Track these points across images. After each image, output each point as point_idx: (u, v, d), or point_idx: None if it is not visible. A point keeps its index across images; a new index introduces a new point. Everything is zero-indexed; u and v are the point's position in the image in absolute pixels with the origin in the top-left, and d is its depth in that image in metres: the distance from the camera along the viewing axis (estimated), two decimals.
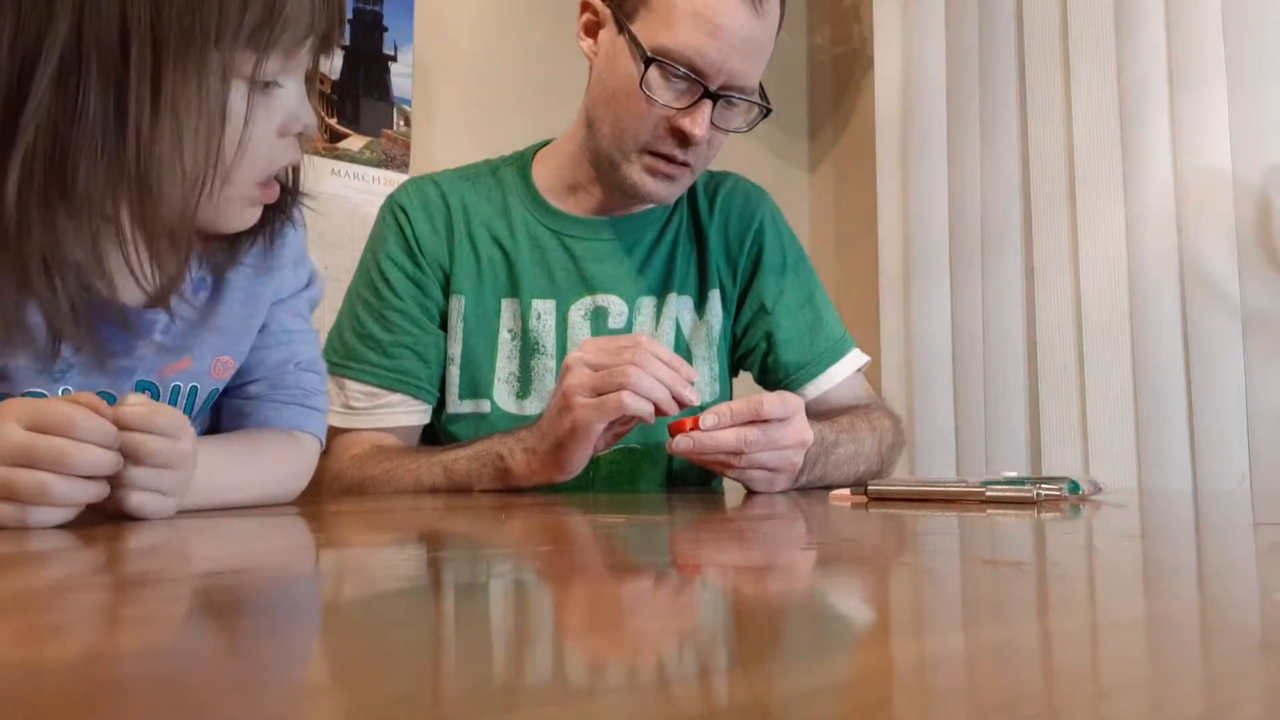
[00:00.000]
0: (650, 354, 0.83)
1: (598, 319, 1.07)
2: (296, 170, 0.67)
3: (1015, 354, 1.92)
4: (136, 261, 0.58)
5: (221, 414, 0.77)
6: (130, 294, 0.63)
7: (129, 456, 0.52)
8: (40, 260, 0.55)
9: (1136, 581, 0.35)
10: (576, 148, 1.08)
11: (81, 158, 0.54)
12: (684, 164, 1.01)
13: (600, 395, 0.83)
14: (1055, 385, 1.83)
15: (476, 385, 1.05)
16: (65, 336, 0.60)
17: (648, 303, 1.09)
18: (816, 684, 0.18)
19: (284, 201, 0.67)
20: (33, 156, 0.52)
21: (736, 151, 1.89)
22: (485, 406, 1.04)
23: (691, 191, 1.14)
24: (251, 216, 0.64)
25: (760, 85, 1.02)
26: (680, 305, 1.10)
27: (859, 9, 2.46)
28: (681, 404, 0.84)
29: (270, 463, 0.72)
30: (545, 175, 1.12)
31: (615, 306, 1.08)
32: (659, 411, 0.83)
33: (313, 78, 0.63)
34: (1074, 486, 0.75)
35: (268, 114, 0.59)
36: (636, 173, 1.01)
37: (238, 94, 0.57)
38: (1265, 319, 1.58)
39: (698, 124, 0.97)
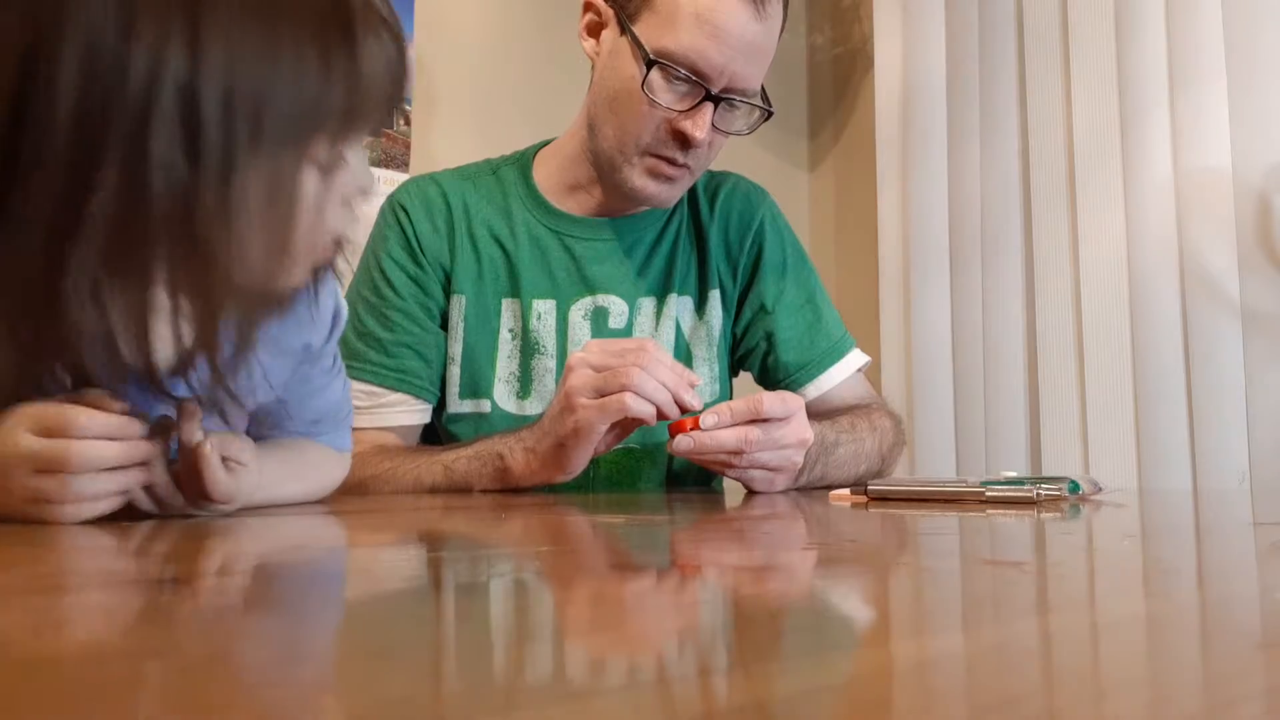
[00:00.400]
0: (654, 357, 0.83)
1: (598, 319, 1.07)
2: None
3: (1015, 354, 1.92)
4: (178, 335, 0.56)
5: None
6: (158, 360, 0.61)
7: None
8: (80, 332, 0.53)
9: (1136, 581, 0.35)
10: (577, 148, 1.08)
11: (149, 242, 0.50)
12: (684, 166, 1.01)
13: (603, 397, 0.83)
14: (1055, 385, 1.83)
15: (477, 385, 1.05)
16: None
17: (648, 303, 1.09)
18: (817, 684, 0.18)
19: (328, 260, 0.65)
20: (97, 235, 0.49)
21: (737, 151, 1.89)
22: (485, 406, 1.04)
23: (692, 192, 1.14)
24: (303, 278, 0.61)
25: (762, 87, 1.01)
26: (680, 305, 1.10)
27: (859, 9, 2.46)
28: (683, 408, 0.84)
29: (312, 468, 0.75)
30: (546, 175, 1.11)
31: (616, 307, 1.08)
32: (660, 414, 0.83)
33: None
34: (1074, 486, 0.75)
35: (335, 190, 0.57)
36: (637, 175, 1.01)
37: (310, 179, 0.55)
38: (1265, 319, 1.58)
39: (699, 127, 0.96)
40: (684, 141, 0.98)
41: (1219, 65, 1.63)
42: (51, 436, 0.51)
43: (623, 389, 0.82)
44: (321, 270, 0.64)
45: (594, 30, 1.04)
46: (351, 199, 0.60)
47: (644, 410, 0.82)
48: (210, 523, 0.55)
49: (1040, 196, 1.88)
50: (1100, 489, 0.79)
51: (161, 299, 0.54)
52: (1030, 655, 0.21)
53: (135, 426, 0.54)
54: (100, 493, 0.52)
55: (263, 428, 0.76)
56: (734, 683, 0.19)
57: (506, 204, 1.10)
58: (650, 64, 0.95)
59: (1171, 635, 0.25)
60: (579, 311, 1.07)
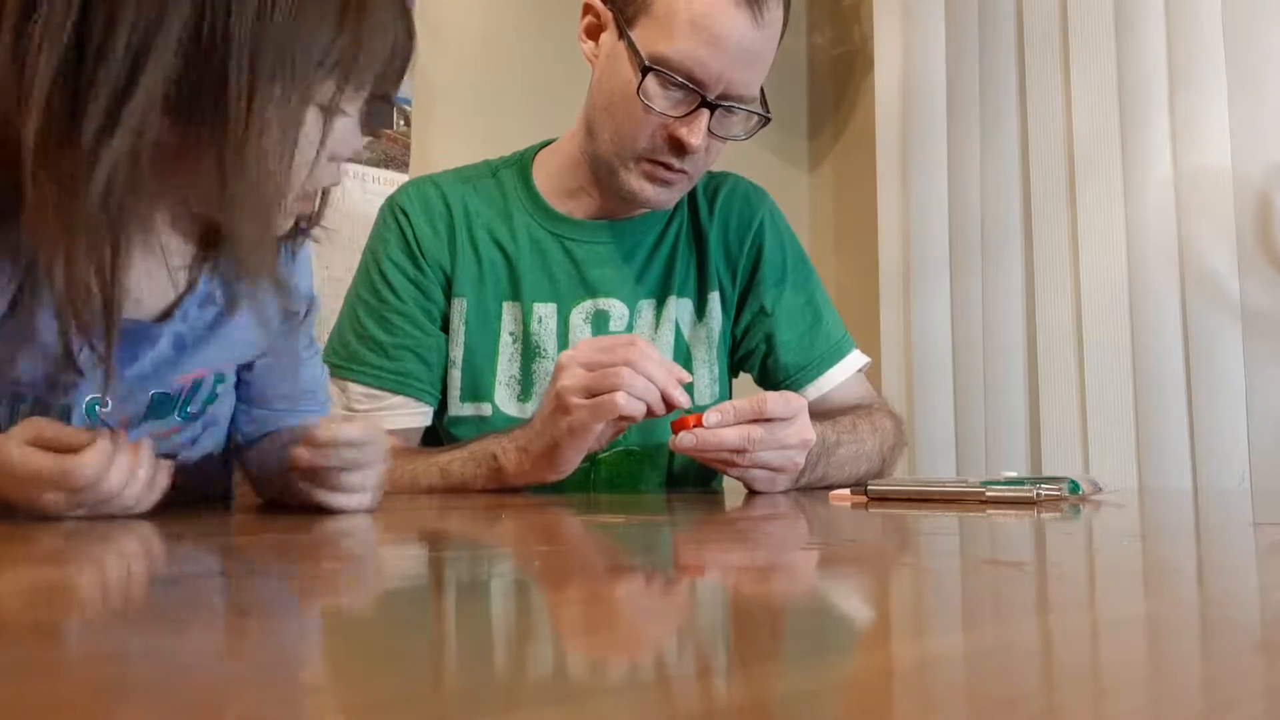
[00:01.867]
0: (643, 353, 0.83)
1: (599, 322, 1.07)
2: (326, 191, 0.69)
3: (1015, 354, 1.92)
4: (168, 272, 0.61)
5: (241, 419, 0.79)
6: (136, 308, 0.64)
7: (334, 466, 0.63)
8: (90, 263, 0.56)
9: (1136, 581, 0.35)
10: (576, 150, 1.08)
11: (167, 166, 0.56)
12: (682, 171, 1.00)
13: (594, 396, 0.83)
14: (1055, 385, 1.83)
15: (477, 388, 1.05)
16: (75, 347, 0.61)
17: (647, 306, 1.09)
18: (817, 684, 0.18)
19: (308, 217, 0.69)
20: (126, 159, 0.54)
21: (737, 151, 1.88)
22: (486, 409, 1.04)
23: (692, 193, 1.14)
24: (287, 224, 0.65)
25: (762, 92, 1.01)
26: (680, 308, 1.10)
27: (859, 9, 2.46)
28: (670, 405, 0.84)
29: None
30: (545, 178, 1.11)
31: (616, 310, 1.08)
32: (650, 412, 0.83)
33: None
34: (1074, 486, 0.75)
35: (329, 140, 0.61)
36: (634, 179, 1.01)
37: (313, 119, 0.59)
38: (1265, 319, 1.58)
39: (695, 133, 0.96)
40: (680, 148, 0.98)
41: (1219, 65, 1.63)
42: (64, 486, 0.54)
43: (614, 389, 0.82)
44: (303, 227, 0.68)
45: (593, 33, 1.04)
46: (339, 157, 0.64)
47: (635, 410, 0.82)
48: (209, 523, 0.55)
49: (1040, 196, 1.88)
50: (1100, 489, 0.79)
51: (153, 243, 0.58)
52: (1030, 655, 0.21)
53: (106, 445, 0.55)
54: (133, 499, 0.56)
55: (252, 399, 0.77)
56: (734, 683, 0.19)
57: (507, 207, 1.10)
58: (646, 70, 0.95)
59: (1171, 635, 0.25)
60: (580, 315, 1.07)
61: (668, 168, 1.00)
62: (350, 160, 0.66)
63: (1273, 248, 1.59)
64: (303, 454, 0.63)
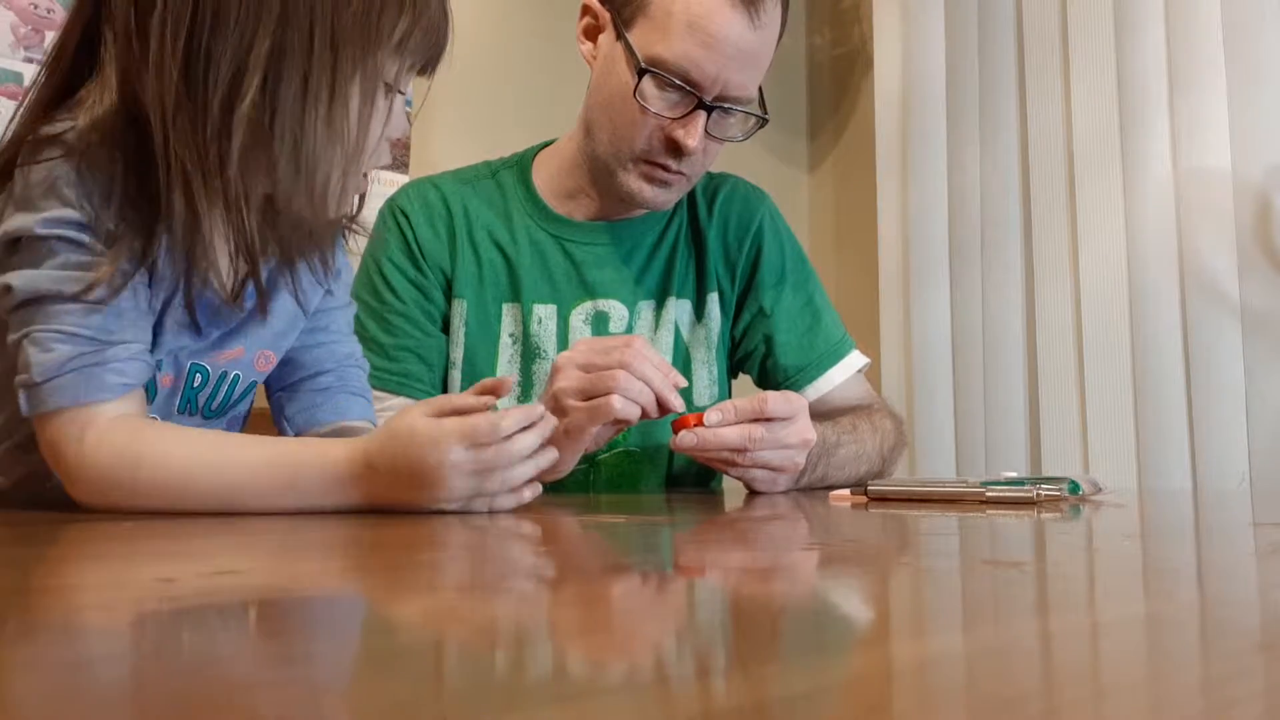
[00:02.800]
0: (640, 354, 0.83)
1: (598, 323, 1.07)
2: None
3: (1015, 354, 1.92)
4: (244, 247, 0.65)
5: (287, 407, 0.81)
6: (218, 284, 0.69)
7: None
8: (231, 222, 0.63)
9: (1136, 581, 0.35)
10: (575, 151, 1.08)
11: (274, 150, 0.61)
12: (679, 173, 1.00)
13: (590, 399, 0.83)
14: (1055, 385, 1.83)
15: None
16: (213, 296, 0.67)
17: (647, 307, 1.09)
18: (817, 684, 0.18)
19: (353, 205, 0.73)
20: (248, 130, 0.60)
21: (736, 151, 1.89)
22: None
23: (691, 194, 1.14)
24: (351, 204, 0.69)
25: (760, 92, 1.01)
26: (679, 309, 1.10)
27: (859, 9, 2.47)
28: (664, 409, 0.84)
29: None
30: (545, 179, 1.11)
31: (616, 311, 1.08)
32: (644, 415, 0.83)
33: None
34: (1074, 486, 0.75)
35: (389, 118, 0.66)
36: (633, 180, 1.01)
37: (382, 97, 0.64)
38: (1265, 319, 1.58)
39: (691, 135, 0.96)
40: (677, 149, 0.98)
41: (1219, 66, 1.63)
42: (478, 445, 0.59)
43: (609, 391, 0.81)
44: (349, 214, 0.72)
45: (591, 34, 1.04)
46: (392, 134, 0.68)
47: (630, 413, 0.82)
48: (208, 524, 0.55)
49: (1040, 196, 1.88)
50: (1100, 489, 0.79)
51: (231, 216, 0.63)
52: (1030, 655, 0.21)
53: (539, 409, 0.62)
54: (528, 467, 0.62)
55: (284, 373, 0.80)
56: (734, 683, 0.19)
57: (506, 208, 1.10)
58: (642, 72, 0.95)
59: (1171, 635, 0.25)
60: (580, 316, 1.07)
61: (665, 169, 1.00)
62: (400, 138, 0.70)
63: (1273, 248, 1.59)
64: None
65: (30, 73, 1.62)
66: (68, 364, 0.59)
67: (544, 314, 1.06)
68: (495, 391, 0.64)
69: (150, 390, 0.69)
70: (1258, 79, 1.60)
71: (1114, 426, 1.72)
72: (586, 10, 1.04)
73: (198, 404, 0.74)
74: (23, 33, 1.62)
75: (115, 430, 0.59)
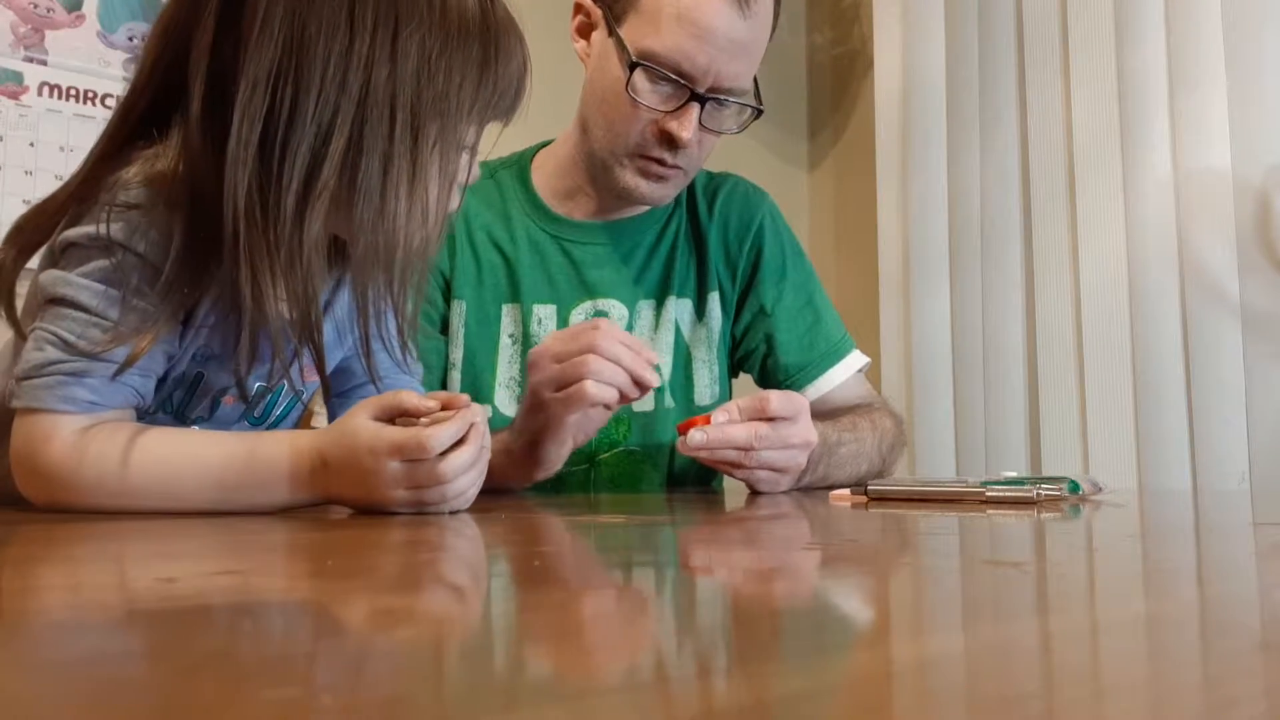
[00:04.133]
0: (607, 335, 0.82)
1: None
2: None
3: (1015, 354, 1.92)
4: (307, 333, 0.66)
5: (340, 414, 0.81)
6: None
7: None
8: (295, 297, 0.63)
9: (1136, 581, 0.35)
10: (572, 150, 1.08)
11: (354, 233, 0.63)
12: (675, 167, 1.00)
13: (565, 388, 0.82)
14: (1055, 385, 1.83)
15: (478, 390, 1.05)
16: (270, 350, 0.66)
17: (647, 306, 1.09)
18: (817, 684, 0.18)
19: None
20: (321, 215, 0.61)
21: (736, 151, 1.89)
22: (487, 411, 1.04)
23: (691, 193, 1.14)
24: (436, 247, 0.69)
25: (756, 82, 1.01)
26: (680, 308, 1.10)
27: (859, 9, 2.46)
28: (642, 386, 0.83)
29: None
30: (544, 179, 1.11)
31: (616, 311, 1.08)
32: (623, 396, 0.83)
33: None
34: (1074, 486, 0.75)
35: (468, 172, 0.68)
36: (629, 175, 1.01)
37: (461, 160, 0.66)
38: (1265, 319, 1.58)
39: (685, 127, 0.96)
40: (671, 142, 0.97)
41: (1219, 66, 1.63)
42: (410, 461, 0.58)
43: (581, 378, 0.81)
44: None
45: (584, 31, 1.04)
46: (463, 183, 0.69)
47: (606, 396, 0.81)
48: (204, 524, 0.55)
49: (1040, 196, 1.88)
50: (1100, 489, 0.79)
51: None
52: (1030, 655, 0.21)
53: (470, 418, 0.61)
54: (466, 479, 0.61)
55: (339, 380, 0.81)
56: (735, 683, 0.19)
57: (505, 209, 1.10)
58: (634, 65, 0.95)
59: (1171, 635, 0.25)
60: (579, 316, 1.07)
61: (661, 163, 0.99)
62: (471, 182, 0.72)
63: (1273, 248, 1.59)
64: None
65: (30, 72, 1.62)
66: (47, 368, 0.60)
67: (544, 314, 1.06)
68: (451, 406, 0.63)
69: (215, 408, 0.71)
70: (1258, 79, 1.60)
71: (1114, 426, 1.72)
72: (579, 8, 1.04)
73: (253, 416, 0.76)
74: (22, 32, 1.62)
75: (83, 439, 0.59)
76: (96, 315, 0.60)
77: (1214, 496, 1.03)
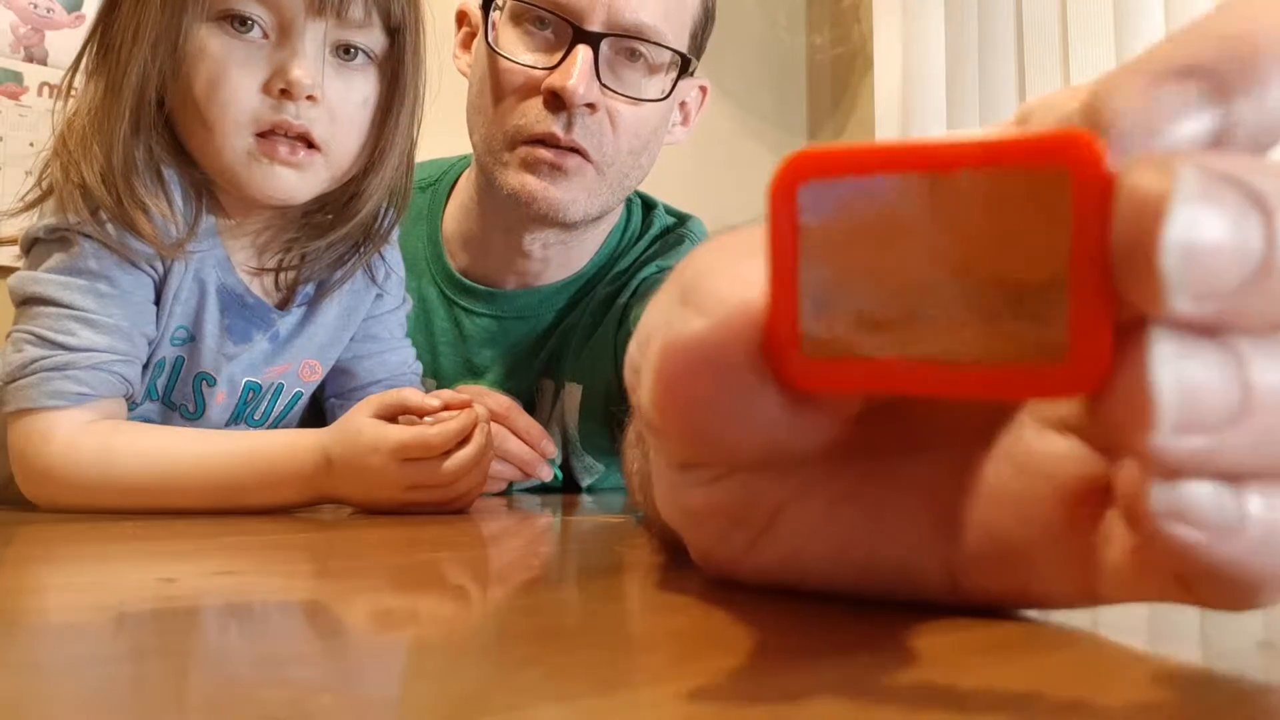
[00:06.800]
0: (503, 432, 0.78)
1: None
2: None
3: None
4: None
5: (339, 415, 0.81)
6: (259, 290, 0.71)
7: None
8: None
9: None
10: (472, 188, 0.90)
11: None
12: (572, 150, 0.78)
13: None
14: None
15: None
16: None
17: (548, 386, 0.93)
18: (816, 683, 0.18)
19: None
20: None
21: (736, 152, 1.90)
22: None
23: (625, 262, 0.92)
24: (271, 175, 0.65)
25: (698, 34, 0.81)
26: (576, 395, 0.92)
27: (859, 9, 2.46)
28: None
29: None
30: (452, 212, 0.92)
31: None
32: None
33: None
34: None
35: (244, 62, 0.62)
36: (513, 174, 0.80)
37: (211, 34, 0.62)
38: None
39: (567, 74, 0.74)
40: (558, 104, 0.76)
41: None
42: (411, 461, 0.58)
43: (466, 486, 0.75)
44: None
45: (467, 44, 0.88)
46: (274, 87, 0.64)
47: (493, 488, 0.78)
48: (205, 523, 0.55)
49: None
50: None
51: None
52: (1030, 655, 0.21)
53: (474, 417, 0.61)
54: (469, 479, 0.60)
55: (339, 381, 0.81)
56: (735, 682, 0.19)
57: (414, 240, 0.91)
58: (488, 7, 0.78)
59: (1171, 636, 0.25)
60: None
61: (550, 144, 0.78)
62: (295, 90, 0.70)
63: None
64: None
65: (30, 73, 1.63)
66: (29, 366, 0.60)
67: (429, 385, 0.89)
68: (454, 406, 0.62)
69: (199, 405, 0.70)
70: None
71: None
72: (462, 18, 0.88)
73: (253, 418, 0.75)
74: (23, 32, 1.62)
75: (82, 435, 0.59)
76: (67, 306, 0.60)
77: None
